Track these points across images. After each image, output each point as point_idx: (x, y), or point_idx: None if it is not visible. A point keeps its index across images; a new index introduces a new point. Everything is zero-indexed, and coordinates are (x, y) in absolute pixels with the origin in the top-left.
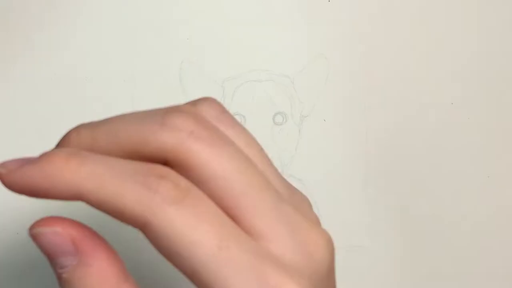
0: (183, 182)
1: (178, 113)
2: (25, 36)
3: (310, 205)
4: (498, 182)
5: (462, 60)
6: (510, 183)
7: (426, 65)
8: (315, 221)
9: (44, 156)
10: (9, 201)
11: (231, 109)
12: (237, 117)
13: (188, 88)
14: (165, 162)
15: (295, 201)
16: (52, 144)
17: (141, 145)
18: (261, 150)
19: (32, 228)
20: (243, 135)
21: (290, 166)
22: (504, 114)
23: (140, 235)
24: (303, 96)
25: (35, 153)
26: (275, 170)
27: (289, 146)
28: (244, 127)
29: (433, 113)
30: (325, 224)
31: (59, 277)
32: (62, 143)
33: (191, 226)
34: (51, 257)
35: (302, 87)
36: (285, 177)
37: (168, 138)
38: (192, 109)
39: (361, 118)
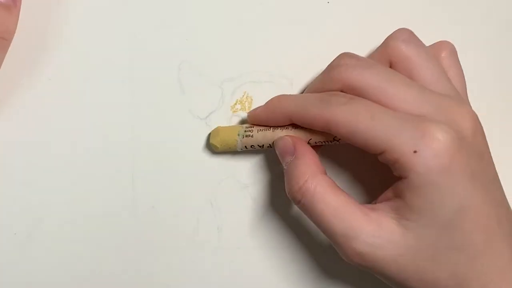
0: (348, 95)
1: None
2: (25, 36)
3: (463, 100)
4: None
5: (462, 60)
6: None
7: None
8: (463, 103)
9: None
10: (8, 202)
11: (230, 110)
12: (235, 118)
13: (187, 89)
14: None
15: (446, 94)
16: (50, 142)
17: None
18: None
19: (276, 140)
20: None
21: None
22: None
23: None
24: None
25: (33, 150)
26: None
27: None
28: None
29: None
30: None
31: (284, 170)
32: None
33: (357, 113)
34: (282, 155)
35: (302, 89)
36: None
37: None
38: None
39: None
